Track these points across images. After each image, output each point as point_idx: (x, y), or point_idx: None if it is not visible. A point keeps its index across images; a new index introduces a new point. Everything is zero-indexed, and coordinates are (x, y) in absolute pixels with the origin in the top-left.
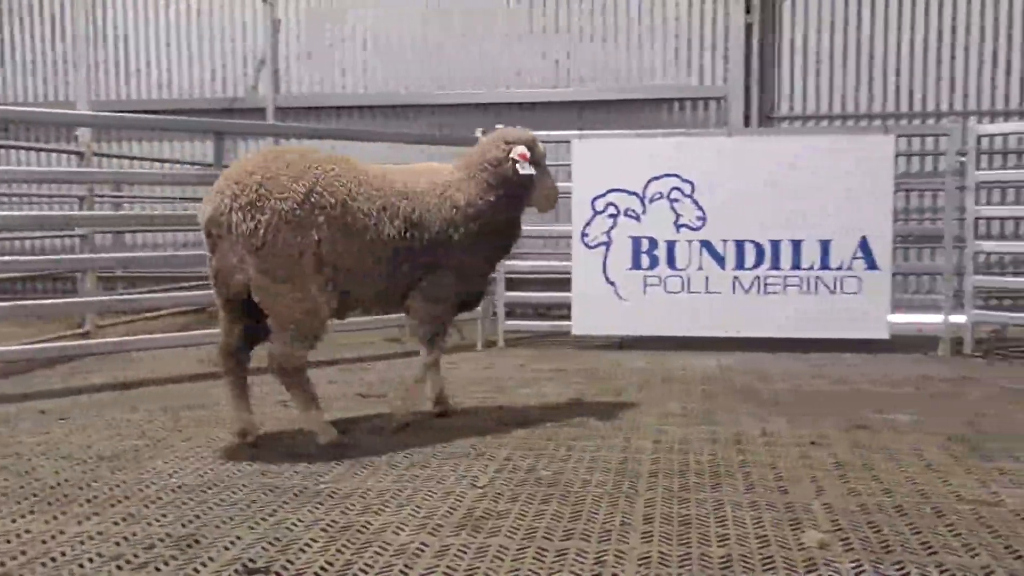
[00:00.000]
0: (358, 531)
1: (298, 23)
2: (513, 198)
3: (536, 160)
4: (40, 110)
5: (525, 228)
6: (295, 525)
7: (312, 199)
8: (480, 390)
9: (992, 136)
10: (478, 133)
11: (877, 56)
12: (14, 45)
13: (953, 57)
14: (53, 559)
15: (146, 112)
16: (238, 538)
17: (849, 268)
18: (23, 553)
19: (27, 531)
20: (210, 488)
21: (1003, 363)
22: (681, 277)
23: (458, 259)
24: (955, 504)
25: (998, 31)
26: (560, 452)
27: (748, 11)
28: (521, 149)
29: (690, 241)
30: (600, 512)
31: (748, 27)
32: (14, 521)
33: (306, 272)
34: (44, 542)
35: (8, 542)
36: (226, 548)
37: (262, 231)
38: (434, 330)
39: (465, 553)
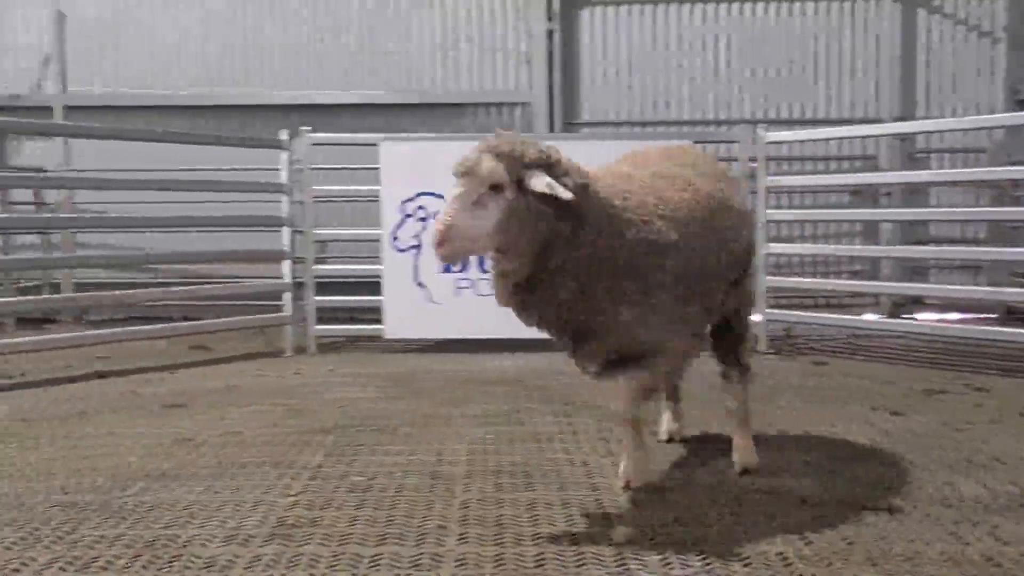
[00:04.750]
0: (164, 546)
1: (88, 17)
2: None
3: None
4: None
5: (333, 231)
6: (96, 543)
7: None
8: (290, 397)
9: (780, 143)
10: (283, 135)
11: (667, 64)
12: None
13: (744, 68)
14: None
15: None
16: (32, 559)
17: None
18: None
19: None
20: None
21: (792, 361)
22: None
23: None
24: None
25: (784, 46)
26: (374, 457)
27: (549, 18)
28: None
29: None
30: (415, 516)
31: (550, 33)
32: None
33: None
34: None
35: None
36: (16, 571)
37: None
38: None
39: (277, 563)
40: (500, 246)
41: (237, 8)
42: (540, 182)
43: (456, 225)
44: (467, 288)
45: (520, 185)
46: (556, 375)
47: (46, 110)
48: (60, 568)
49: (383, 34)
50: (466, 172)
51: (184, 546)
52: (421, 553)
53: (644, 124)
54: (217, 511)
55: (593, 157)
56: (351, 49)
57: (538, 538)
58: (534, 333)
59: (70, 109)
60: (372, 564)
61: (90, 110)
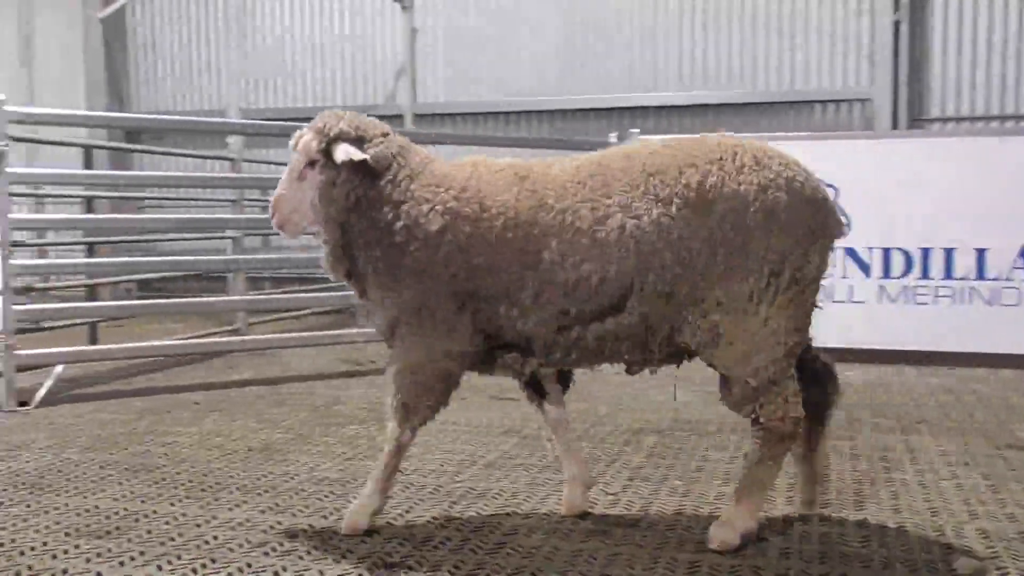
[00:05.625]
0: (490, 532)
1: (435, 32)
2: None
3: None
4: (194, 119)
5: None
6: (429, 523)
7: None
8: (610, 396)
9: None
10: (612, 138)
11: None
12: (171, 57)
13: None
14: (206, 542)
15: (292, 120)
16: (376, 532)
17: (1008, 278)
18: (180, 535)
19: (183, 515)
20: (349, 482)
21: None
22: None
23: None
24: None
25: None
26: (693, 463)
27: (896, 9)
28: None
29: (832, 248)
30: None
31: (896, 25)
32: (172, 505)
33: None
34: (198, 526)
35: (166, 524)
36: (363, 542)
37: None
38: None
39: (595, 559)
40: (319, 216)
41: (566, 14)
42: (340, 152)
43: (282, 196)
44: None
45: (329, 158)
46: (896, 390)
47: (398, 118)
48: (399, 543)
49: (712, 33)
50: (294, 147)
51: (508, 534)
52: (740, 564)
53: (1003, 119)
54: (540, 503)
55: (941, 156)
56: (680, 49)
57: (868, 562)
58: (871, 344)
59: (416, 116)
60: (690, 570)
61: (433, 117)
